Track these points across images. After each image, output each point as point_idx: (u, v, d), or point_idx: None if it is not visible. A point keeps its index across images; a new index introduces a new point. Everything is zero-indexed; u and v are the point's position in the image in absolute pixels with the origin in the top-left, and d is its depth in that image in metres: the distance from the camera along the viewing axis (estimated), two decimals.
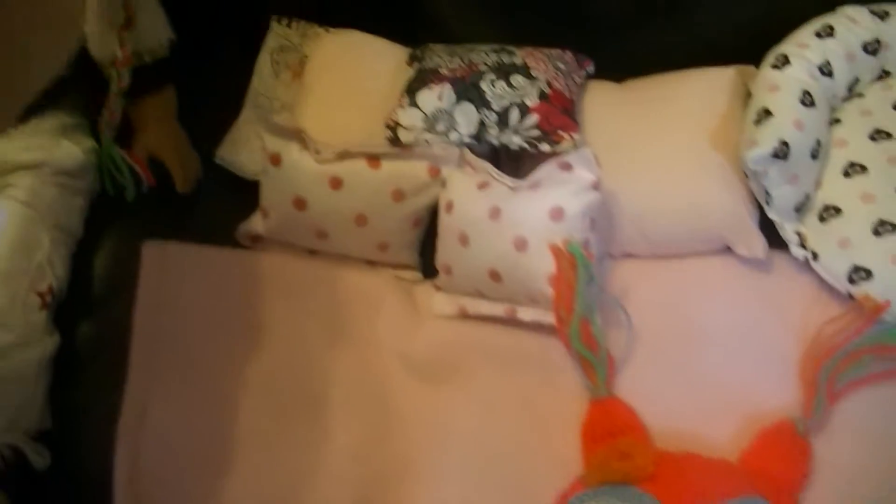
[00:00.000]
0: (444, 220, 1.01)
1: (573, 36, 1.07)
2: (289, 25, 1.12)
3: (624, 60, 1.08)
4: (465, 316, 1.02)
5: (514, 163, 1.04)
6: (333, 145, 1.01)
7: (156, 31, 1.00)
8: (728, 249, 1.00)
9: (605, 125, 1.03)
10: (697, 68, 1.05)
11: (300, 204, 1.01)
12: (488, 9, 1.09)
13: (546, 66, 1.02)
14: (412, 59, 1.08)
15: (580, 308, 0.94)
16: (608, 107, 1.05)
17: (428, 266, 1.05)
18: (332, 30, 1.12)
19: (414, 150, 1.01)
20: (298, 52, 1.10)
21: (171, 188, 1.04)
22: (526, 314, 0.99)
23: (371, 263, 1.06)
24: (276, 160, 1.01)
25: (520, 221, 0.96)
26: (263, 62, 1.10)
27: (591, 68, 1.07)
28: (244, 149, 1.07)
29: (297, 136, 1.01)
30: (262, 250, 1.06)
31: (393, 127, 1.01)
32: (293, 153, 1.00)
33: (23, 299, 0.93)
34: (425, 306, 1.04)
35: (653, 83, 1.06)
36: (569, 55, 1.05)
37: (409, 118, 1.01)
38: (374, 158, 1.01)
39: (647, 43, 1.07)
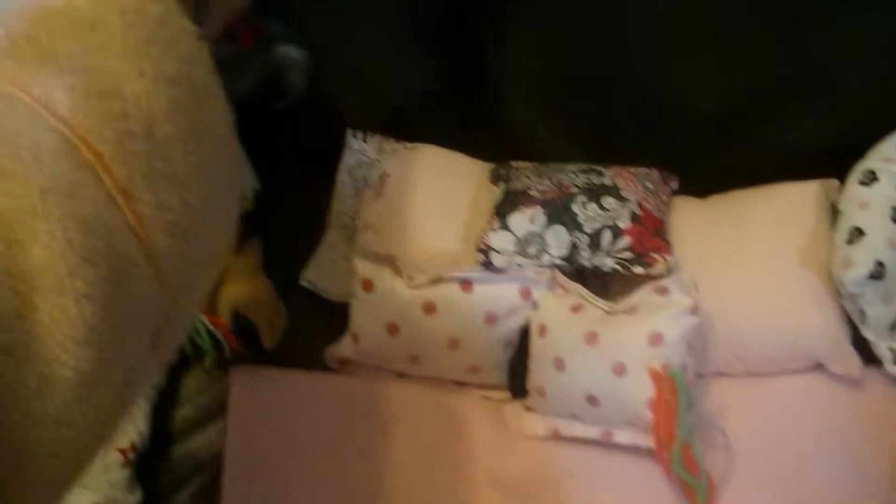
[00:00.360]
0: (538, 344, 1.01)
1: (655, 151, 1.08)
2: (364, 140, 1.12)
3: (705, 175, 1.08)
4: (557, 437, 1.01)
5: (599, 280, 1.04)
6: (425, 269, 1.01)
7: (242, 182, 0.97)
8: (821, 366, 1.00)
9: (693, 244, 1.03)
10: (780, 183, 1.06)
11: (393, 330, 1.00)
12: (570, 125, 1.09)
13: (635, 186, 1.03)
14: (495, 178, 1.08)
15: (681, 433, 0.94)
16: (694, 225, 1.05)
17: (515, 385, 1.05)
18: (409, 145, 1.12)
19: (506, 273, 1.01)
20: (377, 169, 1.10)
21: (257, 342, 1.03)
22: (622, 437, 0.98)
23: (460, 384, 1.05)
24: (368, 286, 1.01)
25: (618, 346, 0.96)
26: (343, 180, 1.10)
27: (675, 185, 1.07)
28: (330, 270, 1.06)
29: (390, 261, 1.01)
30: (350, 373, 1.06)
31: (485, 250, 1.01)
32: (386, 279, 1.00)
33: (104, 458, 0.92)
34: (516, 427, 1.03)
35: (737, 199, 1.07)
36: (655, 174, 1.06)
37: (501, 241, 1.01)
38: (466, 283, 1.01)
39: (728, 157, 1.08)
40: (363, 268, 1.01)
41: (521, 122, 1.11)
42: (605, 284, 1.04)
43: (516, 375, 1.05)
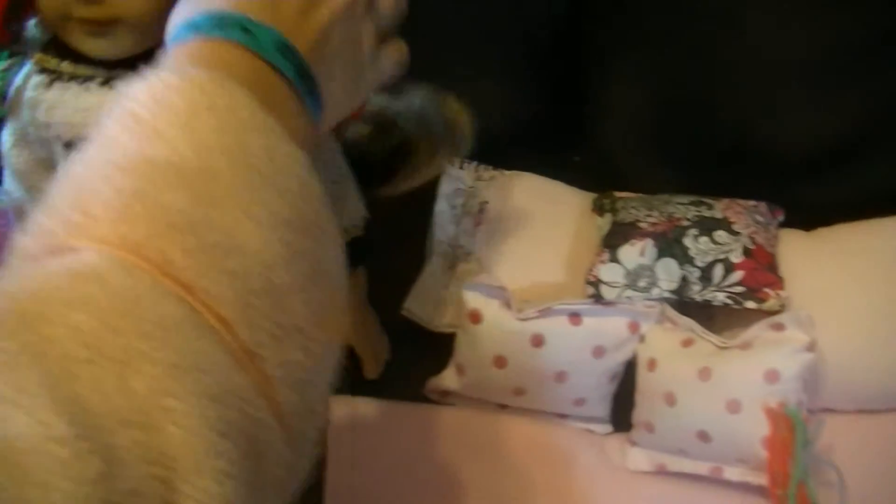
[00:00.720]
0: (646, 378, 0.99)
1: (756, 184, 1.07)
2: (461, 167, 1.11)
3: (808, 208, 1.07)
4: (663, 472, 1.00)
5: (704, 314, 1.03)
6: (533, 301, 1.00)
7: (351, 209, 0.93)
8: None
9: (801, 276, 1.02)
10: (887, 217, 1.05)
11: (500, 362, 0.99)
12: (670, 157, 1.08)
13: (746, 219, 1.02)
14: (599, 208, 1.07)
15: (797, 471, 0.93)
16: (801, 258, 1.04)
17: (619, 419, 1.04)
18: (507, 172, 1.11)
19: (616, 306, 1.00)
20: (476, 197, 1.08)
21: (359, 373, 1.01)
22: (733, 474, 0.97)
23: (562, 416, 1.04)
24: (475, 318, 0.99)
25: (732, 383, 0.95)
26: (441, 208, 1.08)
27: (781, 218, 1.06)
28: (431, 300, 1.05)
29: (498, 293, 0.99)
30: (452, 405, 1.04)
31: (595, 283, 1.00)
32: (494, 310, 0.99)
33: None
34: (619, 461, 1.02)
35: (844, 232, 1.06)
36: (763, 206, 1.05)
37: (611, 274, 1.00)
38: (575, 315, 0.99)
39: (831, 191, 1.07)
40: (471, 299, 0.99)
41: (621, 151, 1.10)
42: (710, 318, 1.03)
43: (620, 409, 1.03)
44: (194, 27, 0.52)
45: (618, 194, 1.07)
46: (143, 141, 0.45)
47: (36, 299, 0.40)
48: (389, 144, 0.93)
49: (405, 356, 1.04)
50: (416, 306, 1.05)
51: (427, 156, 0.92)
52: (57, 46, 0.81)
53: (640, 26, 1.05)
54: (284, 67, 0.52)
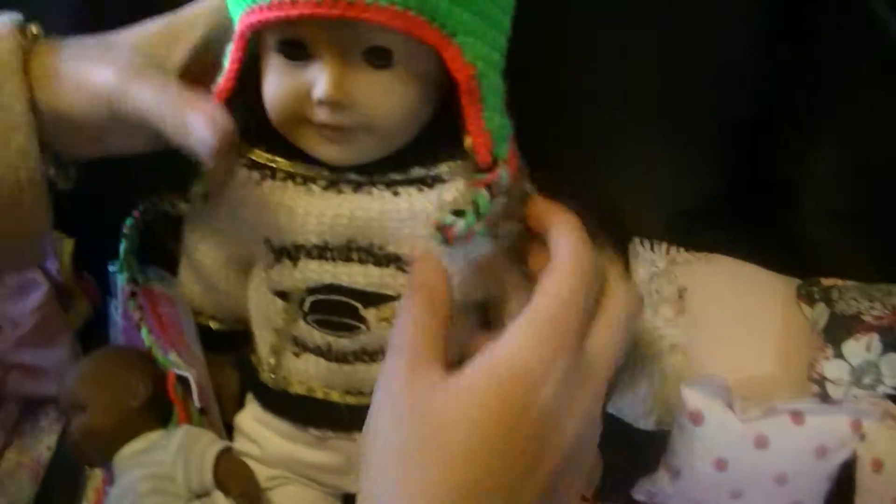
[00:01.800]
0: (870, 479, 0.94)
1: None
2: (652, 249, 1.05)
3: None
4: None
5: None
6: (752, 398, 0.95)
7: None
8: None
9: None
10: None
11: (721, 464, 0.93)
12: (876, 244, 1.03)
13: None
14: (807, 297, 1.02)
15: None
16: None
17: None
18: (701, 255, 1.05)
19: (841, 404, 0.95)
20: (672, 283, 1.03)
21: None
22: None
23: None
24: (697, 418, 0.93)
25: None
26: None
27: None
28: (637, 395, 0.99)
29: (722, 392, 0.94)
30: None
31: (819, 381, 0.95)
32: (717, 410, 0.93)
33: None
34: None
35: None
36: None
37: (836, 371, 0.95)
38: (797, 414, 0.94)
39: None
40: (693, 398, 0.93)
41: (820, 235, 1.04)
42: None
43: None
44: None
45: (825, 281, 1.02)
46: None
47: None
48: None
49: (612, 457, 0.98)
50: (623, 403, 0.99)
51: None
52: (266, 139, 0.74)
53: (850, 90, 1.00)
54: None
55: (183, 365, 0.86)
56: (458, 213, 0.69)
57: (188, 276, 0.88)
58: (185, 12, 0.73)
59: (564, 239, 0.65)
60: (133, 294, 0.88)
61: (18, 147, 0.63)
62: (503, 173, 0.70)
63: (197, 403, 0.85)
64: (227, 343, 0.88)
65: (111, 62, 0.67)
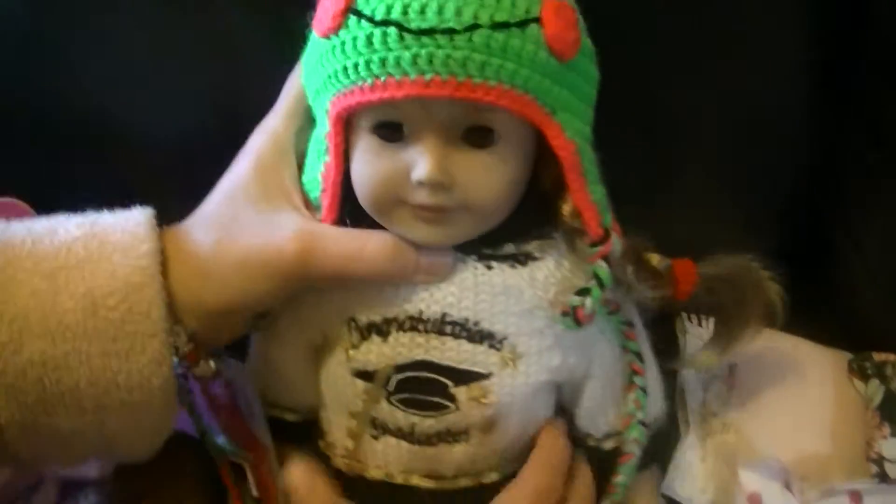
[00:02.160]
0: None
1: None
2: (700, 324, 1.04)
3: None
4: None
5: None
6: (809, 478, 0.93)
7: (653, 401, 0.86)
8: None
9: None
10: None
11: None
12: None
13: None
14: (859, 372, 1.01)
15: None
16: None
17: None
18: None
19: None
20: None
21: None
22: None
23: None
24: (756, 501, 0.92)
25: None
26: (689, 373, 1.02)
27: None
28: (692, 475, 0.97)
29: (780, 474, 0.92)
30: None
31: (877, 460, 0.94)
32: (775, 494, 0.92)
33: None
34: None
35: None
36: None
37: (894, 450, 0.94)
38: (855, 494, 0.93)
39: None
40: (751, 480, 0.92)
41: (871, 307, 1.04)
42: None
43: None
44: None
45: (877, 356, 1.01)
46: None
47: None
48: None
49: None
50: (678, 484, 0.97)
51: (738, 327, 0.86)
52: (352, 216, 0.72)
53: None
54: None
55: (238, 452, 0.83)
56: (581, 291, 0.69)
57: (260, 372, 0.85)
58: (269, 124, 0.73)
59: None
60: (185, 377, 0.86)
61: (154, 354, 0.63)
62: (616, 241, 0.70)
63: (254, 492, 0.83)
64: (302, 433, 0.85)
65: (267, 237, 0.67)
